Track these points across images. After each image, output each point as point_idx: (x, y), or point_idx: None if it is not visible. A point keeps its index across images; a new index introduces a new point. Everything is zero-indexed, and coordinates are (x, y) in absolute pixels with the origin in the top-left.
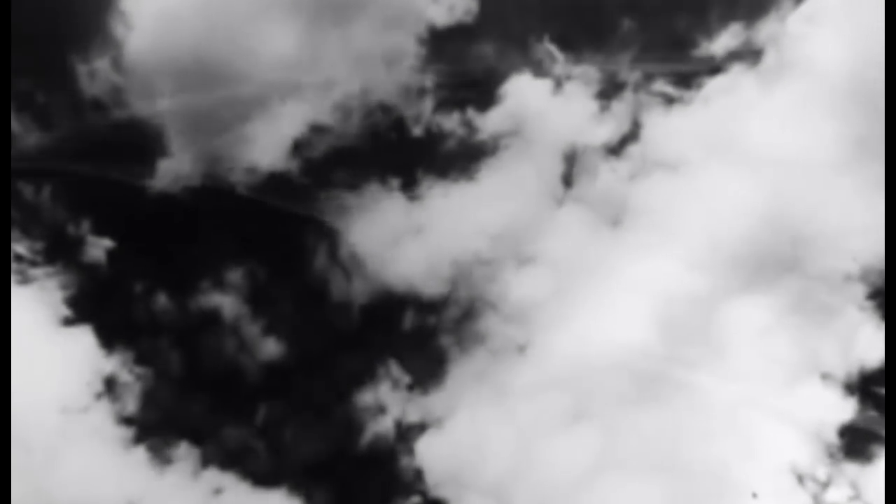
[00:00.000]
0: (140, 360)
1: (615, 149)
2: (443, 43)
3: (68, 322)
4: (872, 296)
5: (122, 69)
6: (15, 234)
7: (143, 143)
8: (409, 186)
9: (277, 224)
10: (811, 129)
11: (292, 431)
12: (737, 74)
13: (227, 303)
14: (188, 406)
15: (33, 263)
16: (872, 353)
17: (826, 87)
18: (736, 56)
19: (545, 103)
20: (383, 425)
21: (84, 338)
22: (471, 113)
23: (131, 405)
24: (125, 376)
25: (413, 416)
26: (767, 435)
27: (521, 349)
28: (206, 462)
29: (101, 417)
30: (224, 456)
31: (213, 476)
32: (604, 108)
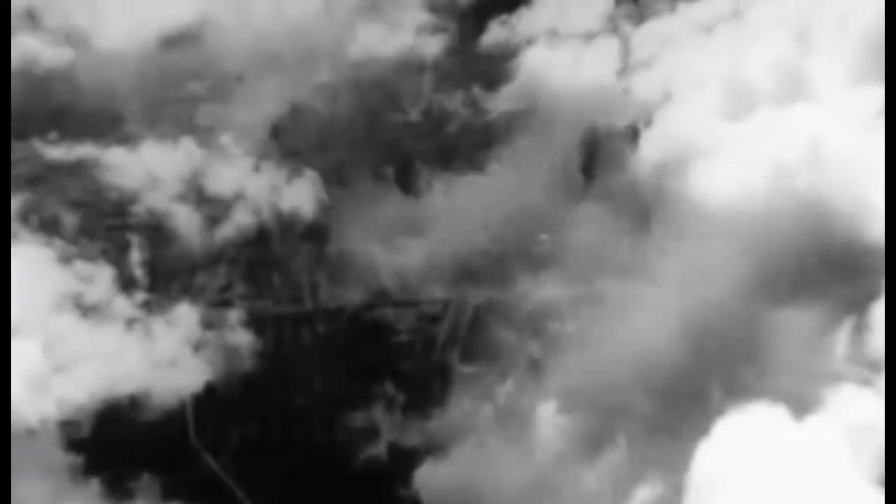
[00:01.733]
0: None
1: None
2: None
3: None
4: None
5: None
6: None
7: None
8: (406, 178)
9: None
10: None
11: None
12: None
13: None
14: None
15: None
16: None
17: None
18: None
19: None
20: (376, 449)
21: None
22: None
23: None
24: None
25: (411, 441)
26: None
27: (535, 365)
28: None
29: None
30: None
31: None
32: None
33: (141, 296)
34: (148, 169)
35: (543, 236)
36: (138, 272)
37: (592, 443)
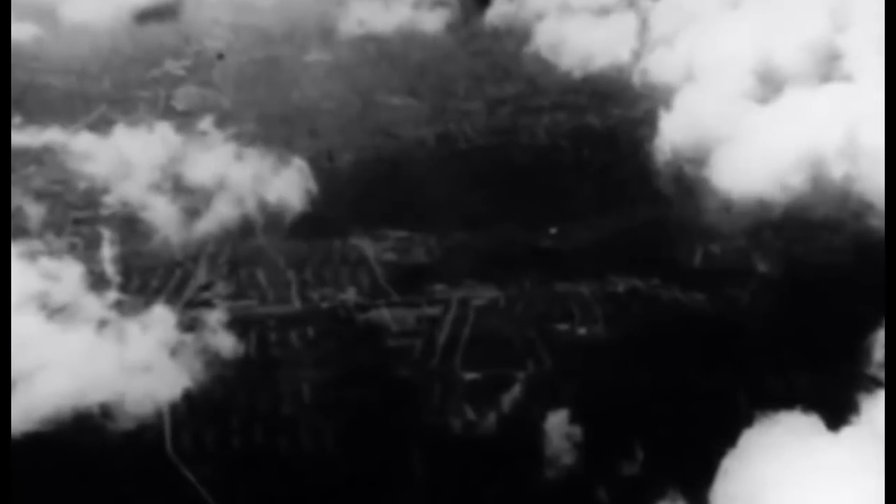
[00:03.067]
0: None
1: None
2: None
3: None
4: None
5: None
6: None
7: None
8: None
9: None
10: None
11: None
12: None
13: None
14: None
15: None
16: None
17: None
18: None
19: None
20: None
21: None
22: None
23: None
24: None
25: None
26: None
27: (545, 370)
28: None
29: None
30: None
31: None
32: None
33: (113, 295)
34: (121, 156)
35: (553, 230)
36: (110, 270)
37: (608, 455)
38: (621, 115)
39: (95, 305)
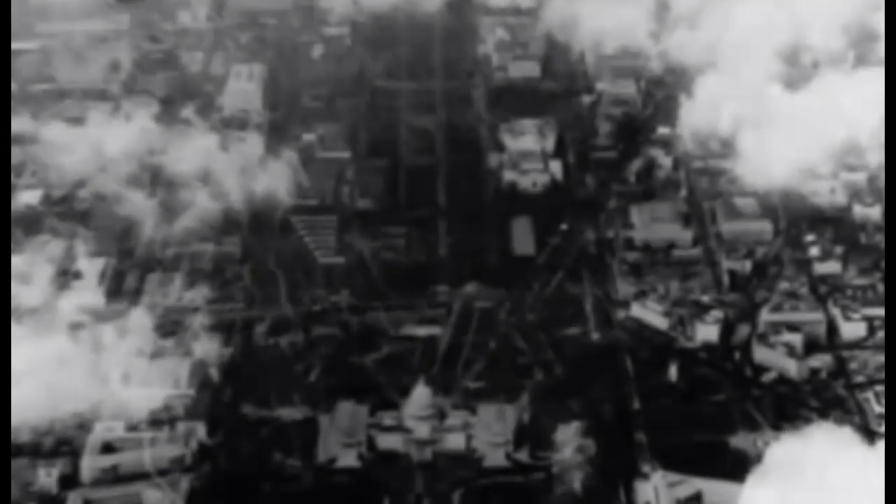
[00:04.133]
0: None
1: None
2: None
3: None
4: None
5: None
6: None
7: None
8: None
9: None
10: None
11: None
12: None
13: None
14: None
15: None
16: None
17: None
18: None
19: None
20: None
21: None
22: None
23: None
24: None
25: None
26: None
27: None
28: None
29: None
30: None
31: None
32: None
33: (87, 298)
34: (95, 147)
35: (563, 226)
36: (84, 270)
37: (622, 473)
38: (638, 101)
39: (68, 308)
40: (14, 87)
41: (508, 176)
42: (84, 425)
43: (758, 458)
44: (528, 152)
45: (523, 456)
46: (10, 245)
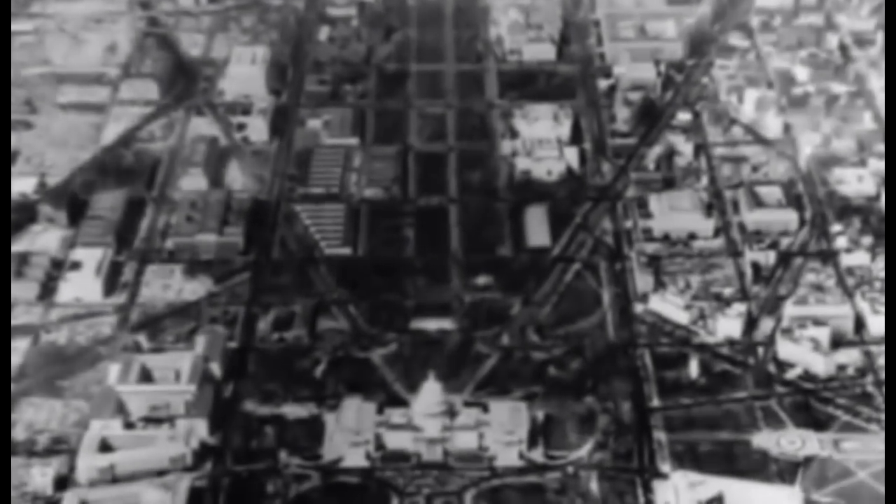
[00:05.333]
0: None
1: None
2: None
3: None
4: None
5: None
6: None
7: None
8: None
9: None
10: None
11: None
12: None
13: None
14: None
15: None
16: None
17: None
18: None
19: None
20: None
21: None
22: None
23: None
24: None
25: None
26: None
27: None
28: None
29: None
30: None
31: None
32: None
33: (85, 290)
34: (92, 133)
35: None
36: (81, 260)
37: (640, 473)
38: (658, 85)
39: (65, 301)
40: None
41: (522, 164)
42: (81, 422)
43: (782, 458)
44: (542, 139)
45: (537, 455)
46: (10, 246)
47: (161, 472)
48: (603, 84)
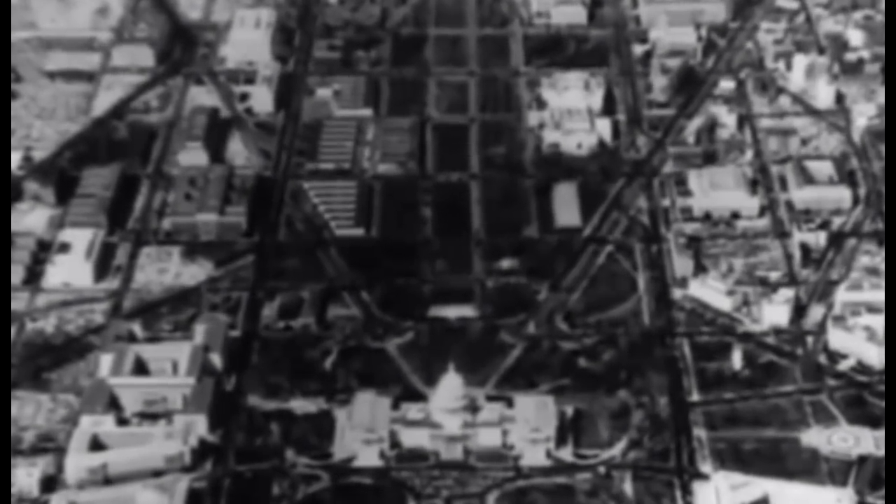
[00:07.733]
0: None
1: None
2: None
3: None
4: None
5: None
6: None
7: None
8: None
9: None
10: None
11: None
12: None
13: None
14: None
15: None
16: None
17: None
18: None
19: None
20: None
21: None
22: None
23: None
24: None
25: None
26: None
27: None
28: None
29: None
30: None
31: None
32: None
33: (74, 274)
34: (82, 104)
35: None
36: (71, 242)
37: (678, 473)
38: (698, 51)
39: (53, 286)
40: None
41: (550, 137)
42: (70, 418)
43: (833, 458)
44: (572, 110)
45: (566, 454)
46: (10, 246)
47: (157, 473)
48: (638, 50)
